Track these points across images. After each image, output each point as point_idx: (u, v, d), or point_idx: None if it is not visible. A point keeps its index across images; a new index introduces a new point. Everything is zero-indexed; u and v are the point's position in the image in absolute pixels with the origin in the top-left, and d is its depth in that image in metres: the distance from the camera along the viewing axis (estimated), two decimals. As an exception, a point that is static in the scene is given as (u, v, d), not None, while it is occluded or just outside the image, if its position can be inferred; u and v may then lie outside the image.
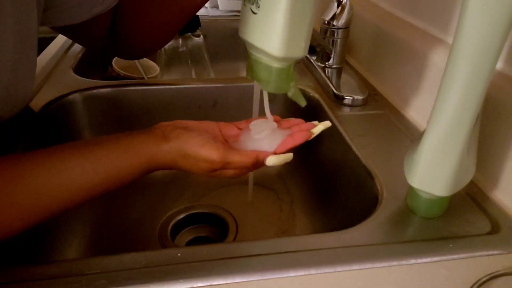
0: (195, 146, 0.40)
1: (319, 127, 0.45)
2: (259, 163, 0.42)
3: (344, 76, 0.73)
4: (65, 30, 0.55)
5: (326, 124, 0.45)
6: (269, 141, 0.43)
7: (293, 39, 0.39)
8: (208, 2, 0.67)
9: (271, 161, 0.41)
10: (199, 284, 0.34)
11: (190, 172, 0.41)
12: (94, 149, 0.37)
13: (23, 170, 0.34)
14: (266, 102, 0.45)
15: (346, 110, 0.64)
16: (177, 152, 0.40)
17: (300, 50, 0.40)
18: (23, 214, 0.33)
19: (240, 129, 0.46)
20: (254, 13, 0.39)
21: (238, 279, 0.35)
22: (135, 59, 0.84)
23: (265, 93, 0.45)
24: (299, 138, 0.43)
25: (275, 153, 0.42)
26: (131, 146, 0.39)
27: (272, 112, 0.45)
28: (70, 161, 0.36)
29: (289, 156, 0.43)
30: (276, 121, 0.46)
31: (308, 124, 0.46)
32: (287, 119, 0.47)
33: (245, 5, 0.41)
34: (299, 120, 0.47)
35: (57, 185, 0.35)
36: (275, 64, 0.41)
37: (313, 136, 0.44)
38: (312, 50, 0.82)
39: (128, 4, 0.56)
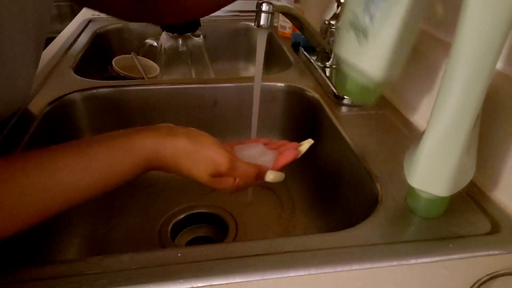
0: (206, 143, 0.39)
1: (305, 145, 0.48)
2: (260, 175, 0.43)
3: (344, 76, 0.73)
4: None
5: (310, 141, 0.48)
6: (263, 160, 0.45)
7: (394, 66, 0.41)
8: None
9: (270, 175, 0.44)
10: (199, 284, 0.34)
11: (188, 175, 0.40)
12: (87, 147, 0.36)
13: (14, 170, 0.33)
14: (254, 129, 0.48)
15: (346, 110, 0.64)
16: (183, 148, 0.39)
17: (397, 73, 0.42)
18: (14, 214, 0.32)
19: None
20: (360, 41, 0.41)
21: (238, 279, 0.35)
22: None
23: (253, 123, 0.46)
24: (289, 156, 0.46)
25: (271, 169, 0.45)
26: (128, 141, 0.37)
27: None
28: (61, 160, 0.35)
29: (283, 175, 0.45)
30: (264, 143, 0.48)
31: (293, 143, 0.48)
32: (274, 141, 0.50)
33: (347, 31, 0.42)
34: (284, 141, 0.49)
35: (49, 184, 0.34)
36: (369, 83, 0.43)
37: (300, 154, 0.47)
38: (312, 50, 0.82)
39: None
